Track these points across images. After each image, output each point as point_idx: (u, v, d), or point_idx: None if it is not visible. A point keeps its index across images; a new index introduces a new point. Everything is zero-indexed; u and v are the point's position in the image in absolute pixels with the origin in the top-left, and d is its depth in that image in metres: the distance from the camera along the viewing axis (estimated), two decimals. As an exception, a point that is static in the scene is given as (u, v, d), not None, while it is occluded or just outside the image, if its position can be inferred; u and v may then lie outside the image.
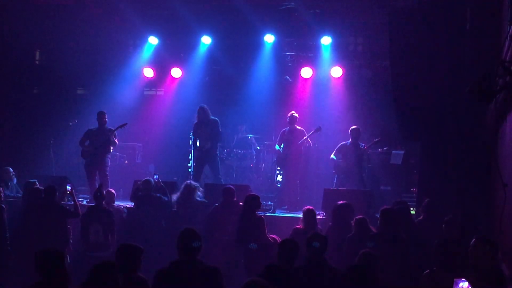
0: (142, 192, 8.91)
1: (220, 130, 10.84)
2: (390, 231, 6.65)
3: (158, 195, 8.89)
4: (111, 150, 10.88)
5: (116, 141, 10.74)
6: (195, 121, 10.87)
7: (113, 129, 10.60)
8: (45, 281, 4.51)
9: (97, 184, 10.67)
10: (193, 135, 11.06)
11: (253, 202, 7.82)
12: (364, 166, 10.58)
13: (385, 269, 6.01)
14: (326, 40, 12.33)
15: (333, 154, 10.49)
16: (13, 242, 8.05)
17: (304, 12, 11.99)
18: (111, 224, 8.30)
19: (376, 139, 10.63)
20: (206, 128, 10.69)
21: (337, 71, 12.40)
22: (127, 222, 9.02)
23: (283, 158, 10.78)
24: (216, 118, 10.80)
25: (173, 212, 8.91)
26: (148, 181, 8.93)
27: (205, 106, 10.80)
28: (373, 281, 4.62)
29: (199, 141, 10.88)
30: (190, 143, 12.69)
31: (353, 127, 10.49)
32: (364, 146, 10.35)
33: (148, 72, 13.25)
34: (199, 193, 8.99)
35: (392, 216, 6.78)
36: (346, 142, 10.47)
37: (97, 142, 10.57)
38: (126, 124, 10.66)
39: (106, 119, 10.70)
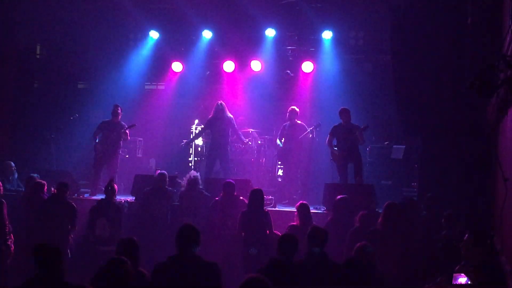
0: (155, 185, 8.91)
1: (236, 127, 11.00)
2: (393, 226, 6.65)
3: (170, 188, 8.91)
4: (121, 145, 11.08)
5: (127, 136, 10.90)
6: (210, 116, 10.95)
7: (125, 125, 10.78)
8: (42, 275, 4.53)
9: (101, 177, 10.78)
10: (204, 129, 11.20)
11: (259, 196, 7.81)
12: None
13: (388, 263, 6.03)
14: (327, 35, 12.30)
15: (327, 139, 10.17)
16: (14, 236, 8.06)
17: (305, 6, 11.95)
18: (117, 218, 8.32)
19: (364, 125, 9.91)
20: (222, 124, 10.79)
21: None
22: (130, 216, 9.05)
23: (284, 153, 10.80)
24: (231, 116, 10.95)
25: (176, 205, 8.94)
26: (164, 175, 8.95)
27: (223, 103, 10.94)
28: (370, 273, 4.63)
29: (212, 137, 11.00)
30: (191, 138, 12.73)
31: (340, 108, 10.11)
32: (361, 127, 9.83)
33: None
34: (201, 186, 9.01)
35: (396, 211, 6.78)
36: (338, 123, 10.13)
37: (110, 138, 10.70)
38: (134, 125, 10.90)
39: (119, 111, 10.81)
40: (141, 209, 8.98)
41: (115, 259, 4.50)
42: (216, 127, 10.86)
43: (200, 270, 4.79)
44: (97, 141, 10.79)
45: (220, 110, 10.80)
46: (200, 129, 12.23)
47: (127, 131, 10.71)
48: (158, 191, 8.85)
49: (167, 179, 9.01)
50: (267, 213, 7.89)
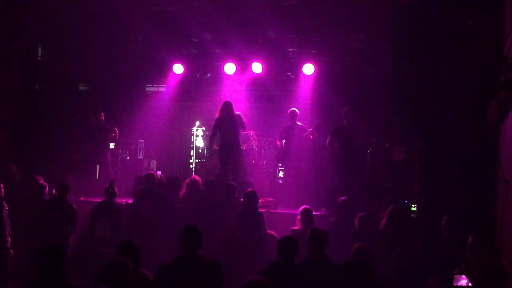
0: (143, 186, 8.93)
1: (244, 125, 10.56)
2: (397, 228, 6.65)
3: (158, 189, 8.92)
4: (110, 146, 11.04)
5: (116, 135, 10.94)
6: (217, 116, 10.47)
7: (110, 127, 10.81)
8: (44, 277, 4.54)
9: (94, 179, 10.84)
10: (215, 130, 10.59)
11: (253, 198, 7.88)
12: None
13: (391, 265, 6.05)
14: (328, 37, 12.27)
15: (328, 140, 10.15)
16: (16, 237, 8.06)
17: (306, 8, 11.93)
18: (117, 220, 8.34)
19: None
20: (230, 123, 10.35)
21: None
22: (128, 218, 9.07)
23: (283, 154, 10.75)
24: (239, 113, 10.52)
25: (178, 208, 8.94)
26: (150, 175, 8.97)
27: (230, 101, 10.53)
28: (368, 274, 4.64)
29: (223, 136, 10.47)
30: (192, 139, 12.74)
31: (345, 108, 10.10)
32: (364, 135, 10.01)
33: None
34: (202, 188, 9.02)
35: (400, 213, 6.78)
36: (340, 125, 10.12)
37: (96, 138, 10.79)
38: (122, 122, 10.95)
39: (103, 118, 10.88)
40: (131, 210, 9.02)
41: (115, 261, 4.52)
42: (225, 126, 10.39)
43: (205, 269, 4.84)
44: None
45: (227, 109, 10.36)
46: (202, 131, 12.22)
47: (116, 129, 10.76)
48: (146, 192, 8.87)
49: (154, 180, 8.98)
50: (261, 214, 8.08)
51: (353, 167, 10.01)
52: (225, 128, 10.42)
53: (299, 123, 10.72)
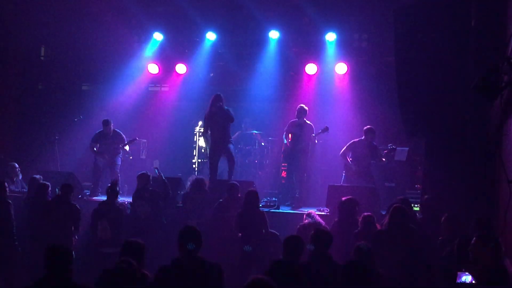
0: (137, 186, 8.95)
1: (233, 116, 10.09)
2: (399, 228, 6.64)
3: (150, 188, 8.92)
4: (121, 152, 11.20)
5: (127, 148, 11.16)
6: (207, 111, 10.11)
7: (122, 134, 10.97)
8: (51, 276, 4.55)
9: (100, 181, 10.85)
10: (206, 127, 10.25)
11: (254, 197, 7.89)
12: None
13: (393, 265, 6.04)
14: (330, 37, 12.29)
15: (342, 151, 10.11)
16: (19, 237, 8.09)
17: (309, 8, 11.94)
18: (118, 220, 8.34)
19: (391, 146, 10.27)
20: (219, 118, 9.96)
21: (342, 68, 12.30)
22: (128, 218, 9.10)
23: (290, 153, 10.47)
24: (228, 108, 10.08)
25: (179, 207, 8.94)
26: (142, 175, 8.96)
27: (221, 94, 10.08)
28: (368, 273, 4.63)
29: (212, 133, 10.12)
30: (195, 139, 12.76)
31: (367, 126, 10.11)
32: (384, 152, 10.11)
33: (153, 68, 13.20)
34: (205, 188, 9.01)
35: (402, 212, 6.77)
36: (358, 139, 10.09)
37: (110, 151, 10.91)
38: (136, 139, 11.08)
39: (112, 127, 10.96)
40: (130, 210, 9.05)
41: (124, 262, 4.52)
42: (214, 122, 10.02)
43: (203, 271, 4.82)
44: (95, 149, 10.90)
45: (215, 103, 9.92)
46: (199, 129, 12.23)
47: (127, 147, 10.90)
48: (140, 192, 8.88)
49: (147, 179, 8.97)
50: (262, 213, 8.05)
51: (363, 181, 9.99)
52: (212, 124, 10.07)
53: (308, 122, 10.39)
